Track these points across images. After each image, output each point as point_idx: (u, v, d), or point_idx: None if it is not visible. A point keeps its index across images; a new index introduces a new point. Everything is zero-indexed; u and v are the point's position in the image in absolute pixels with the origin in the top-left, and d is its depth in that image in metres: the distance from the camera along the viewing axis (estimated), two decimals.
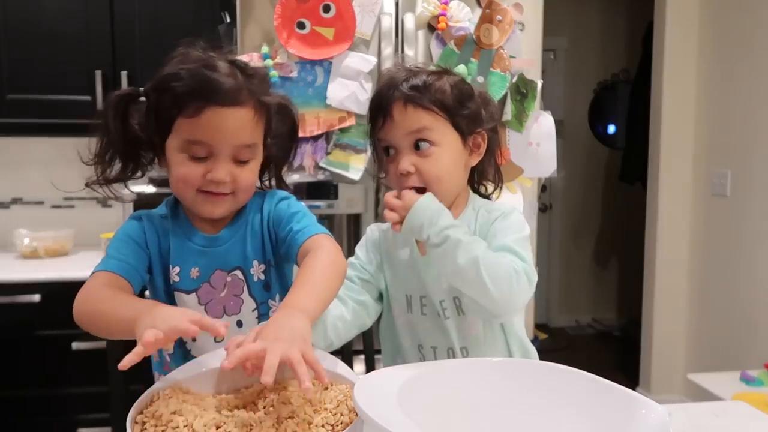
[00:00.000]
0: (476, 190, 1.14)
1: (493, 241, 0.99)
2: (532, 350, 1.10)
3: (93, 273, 0.92)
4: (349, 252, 1.15)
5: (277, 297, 1.05)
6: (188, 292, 1.00)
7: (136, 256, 0.97)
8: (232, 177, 0.94)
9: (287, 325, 0.74)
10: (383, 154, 1.06)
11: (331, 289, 0.87)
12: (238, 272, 1.02)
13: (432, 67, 1.08)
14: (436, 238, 0.93)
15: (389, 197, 0.97)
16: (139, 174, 1.01)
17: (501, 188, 1.15)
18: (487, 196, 1.14)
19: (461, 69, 1.10)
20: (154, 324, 0.71)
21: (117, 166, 0.98)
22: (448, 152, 1.01)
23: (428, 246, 0.95)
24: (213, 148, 0.92)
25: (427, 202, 0.95)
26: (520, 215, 1.05)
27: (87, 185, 0.99)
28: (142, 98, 0.97)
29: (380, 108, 1.02)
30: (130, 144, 0.97)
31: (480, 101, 1.06)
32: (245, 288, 1.02)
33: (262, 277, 1.03)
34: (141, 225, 1.01)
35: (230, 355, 0.70)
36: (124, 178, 1.00)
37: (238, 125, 0.92)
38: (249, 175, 0.97)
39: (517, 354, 1.07)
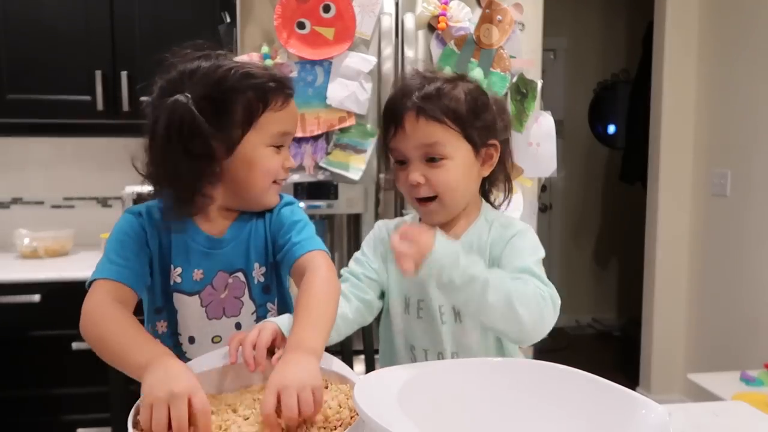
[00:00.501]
0: (485, 197, 1.13)
1: (511, 260, 0.98)
2: None
3: (94, 280, 0.89)
4: (350, 252, 1.15)
5: (276, 300, 1.05)
6: (190, 294, 0.99)
7: (137, 257, 0.94)
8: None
9: (297, 367, 0.74)
10: (395, 162, 1.05)
11: (331, 316, 0.88)
12: (240, 274, 1.01)
13: (447, 72, 1.06)
14: (460, 279, 0.86)
15: (399, 244, 0.85)
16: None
17: (510, 198, 1.14)
18: (493, 204, 1.13)
19: (477, 74, 1.08)
20: (168, 392, 0.68)
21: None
22: (460, 164, 1.00)
23: (448, 287, 0.87)
24: (290, 138, 1.01)
25: (444, 245, 0.86)
26: (535, 235, 1.04)
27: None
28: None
29: (393, 117, 1.01)
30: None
31: (495, 110, 1.05)
32: (246, 290, 1.02)
33: (262, 279, 1.02)
34: (140, 222, 0.97)
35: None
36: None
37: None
38: None
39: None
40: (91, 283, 0.90)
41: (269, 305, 1.04)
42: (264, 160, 0.96)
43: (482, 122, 1.01)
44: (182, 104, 0.88)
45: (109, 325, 0.82)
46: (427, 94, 0.98)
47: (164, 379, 0.70)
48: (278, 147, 0.98)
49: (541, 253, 1.00)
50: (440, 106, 0.98)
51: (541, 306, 0.89)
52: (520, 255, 0.98)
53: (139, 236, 0.96)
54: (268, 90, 0.94)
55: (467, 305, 0.90)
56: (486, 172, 1.06)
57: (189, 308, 0.99)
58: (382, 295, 1.12)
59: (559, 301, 0.93)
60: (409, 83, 1.02)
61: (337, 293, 0.92)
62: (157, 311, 1.01)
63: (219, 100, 0.91)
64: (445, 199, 1.00)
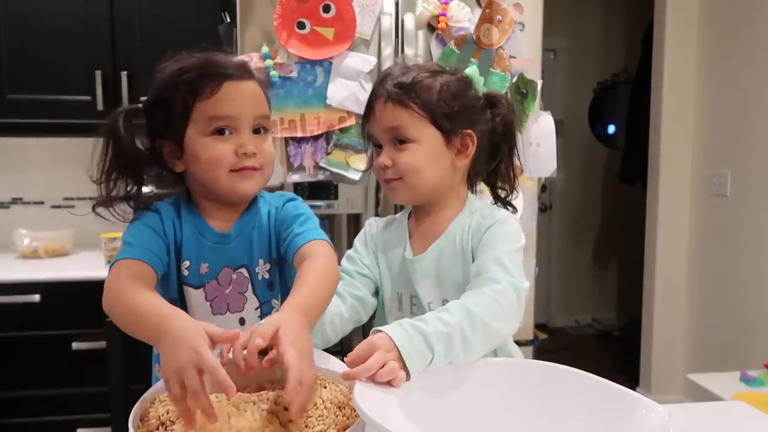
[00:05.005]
0: (494, 193, 1.14)
1: (485, 248, 0.98)
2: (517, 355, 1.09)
3: (114, 262, 0.91)
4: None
5: (280, 297, 1.06)
6: (196, 287, 1.01)
7: (155, 242, 0.96)
8: (258, 149, 0.96)
9: (286, 318, 0.75)
10: (372, 147, 1.08)
11: (327, 295, 0.89)
12: (243, 270, 1.03)
13: (434, 66, 1.07)
14: (440, 345, 0.79)
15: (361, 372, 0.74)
16: (141, 191, 1.02)
17: (514, 189, 1.15)
18: (504, 200, 1.14)
19: (471, 71, 1.07)
20: (176, 368, 0.68)
21: (121, 184, 0.99)
22: (425, 148, 1.01)
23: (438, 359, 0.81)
24: (236, 120, 0.94)
25: (398, 332, 0.78)
26: (516, 224, 1.04)
27: (94, 209, 1.02)
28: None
29: (368, 103, 1.05)
30: (137, 160, 0.98)
31: (482, 104, 1.06)
32: (249, 286, 1.03)
33: (267, 276, 1.04)
34: (158, 216, 1.00)
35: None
36: (128, 196, 1.00)
37: (254, 95, 0.97)
38: (270, 148, 1.00)
39: (500, 355, 1.06)
40: (111, 268, 0.91)
41: (274, 301, 1.06)
42: (204, 151, 0.95)
43: (453, 109, 1.01)
44: (108, 123, 0.96)
45: (126, 296, 0.83)
46: (400, 81, 1.01)
47: (171, 350, 0.71)
48: (220, 134, 0.94)
49: (519, 242, 1.00)
50: (409, 92, 1.00)
51: (502, 305, 0.88)
52: (493, 244, 0.98)
53: (156, 226, 0.99)
54: (195, 80, 0.93)
55: (458, 358, 0.83)
56: (461, 163, 1.05)
57: (194, 301, 1.02)
58: (377, 292, 1.12)
59: (524, 286, 0.92)
60: (390, 72, 1.05)
61: (336, 278, 0.93)
62: (171, 303, 1.02)
63: (161, 102, 0.95)
64: (407, 180, 1.01)
